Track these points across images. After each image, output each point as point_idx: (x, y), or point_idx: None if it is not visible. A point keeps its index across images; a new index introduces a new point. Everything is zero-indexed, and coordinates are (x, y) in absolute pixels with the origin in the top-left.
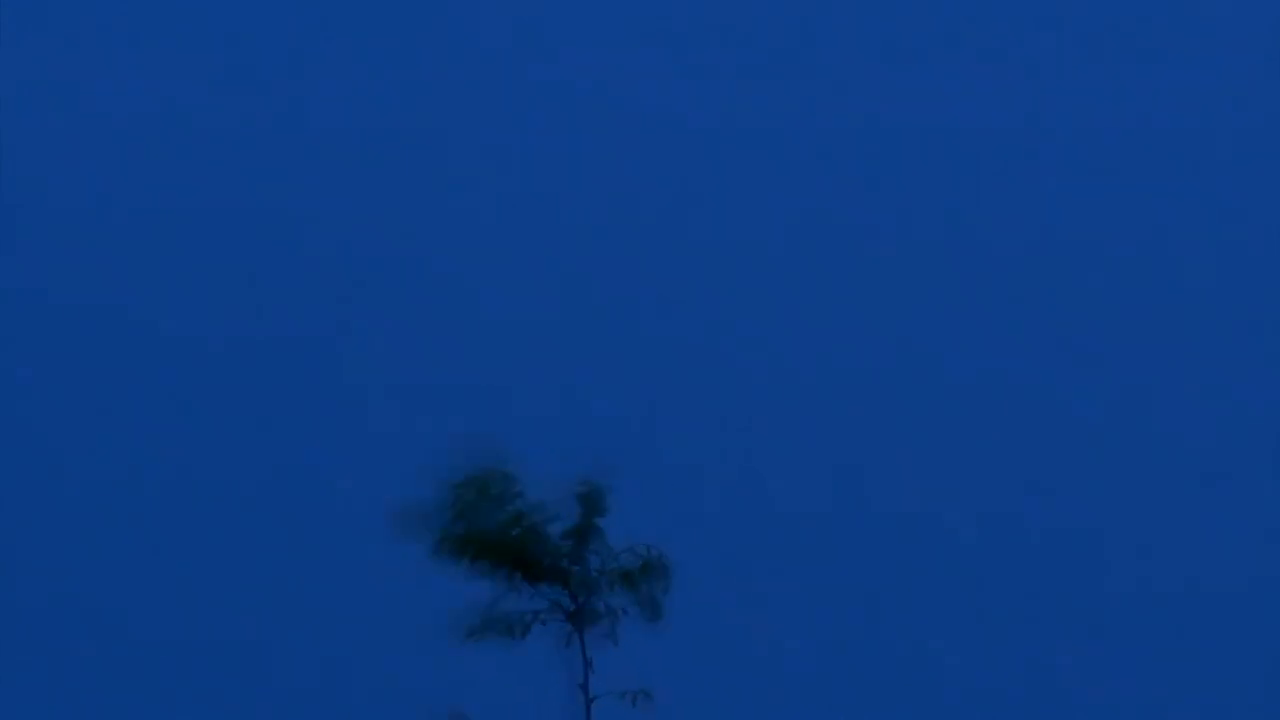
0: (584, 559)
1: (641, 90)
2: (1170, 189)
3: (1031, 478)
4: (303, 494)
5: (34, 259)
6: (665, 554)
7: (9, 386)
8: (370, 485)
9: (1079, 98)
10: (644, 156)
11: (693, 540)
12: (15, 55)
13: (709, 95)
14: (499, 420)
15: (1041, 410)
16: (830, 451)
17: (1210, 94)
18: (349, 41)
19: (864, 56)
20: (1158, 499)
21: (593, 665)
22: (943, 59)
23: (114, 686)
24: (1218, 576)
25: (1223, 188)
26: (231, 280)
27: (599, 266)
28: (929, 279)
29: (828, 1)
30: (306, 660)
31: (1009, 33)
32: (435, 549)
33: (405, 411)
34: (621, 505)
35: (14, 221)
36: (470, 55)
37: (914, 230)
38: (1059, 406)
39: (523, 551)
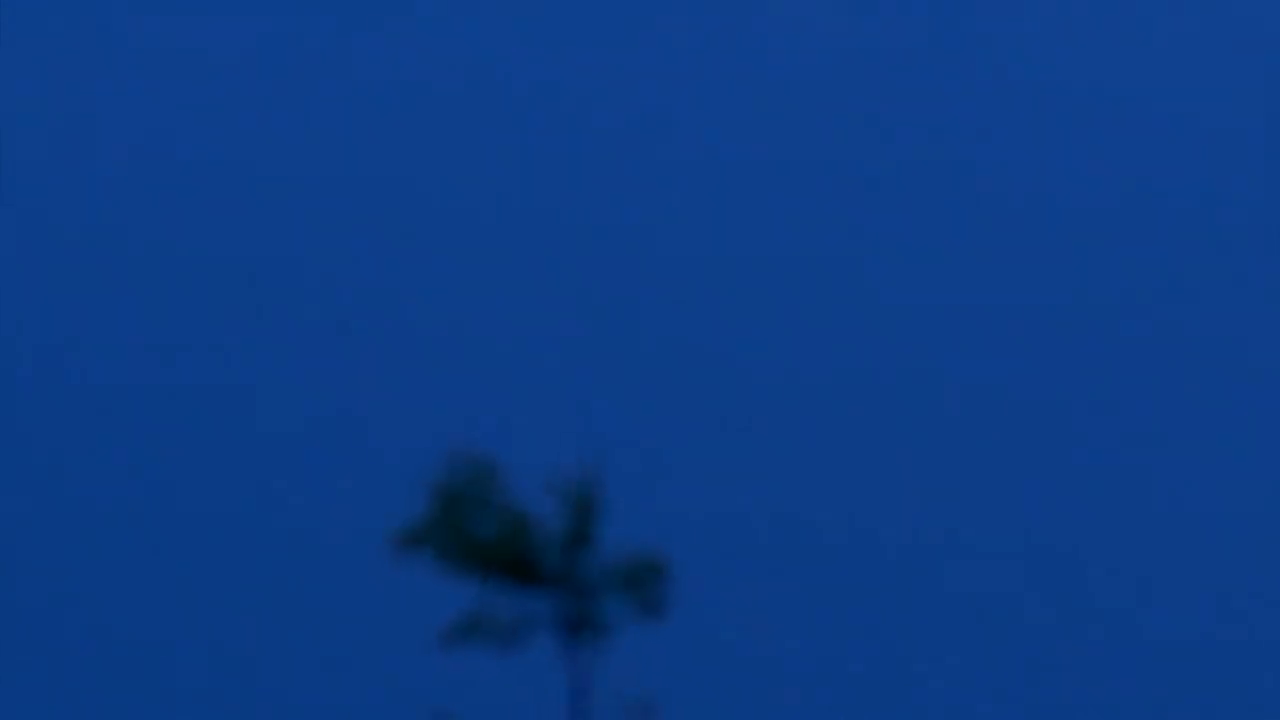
0: (579, 563)
1: (642, 93)
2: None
3: (1031, 478)
4: (302, 499)
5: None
6: (662, 557)
7: (10, 388)
8: (368, 490)
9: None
10: (647, 158)
11: (689, 543)
12: None
13: (710, 99)
14: (494, 426)
15: (1043, 416)
16: (832, 455)
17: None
18: (343, 52)
19: (865, 68)
20: (1161, 507)
21: (590, 673)
22: (943, 57)
23: (114, 687)
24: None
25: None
26: (233, 280)
27: (601, 272)
28: (931, 284)
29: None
30: (309, 664)
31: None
32: (421, 551)
33: (403, 417)
34: (618, 509)
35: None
36: (469, 56)
37: (914, 233)
38: (1061, 415)
39: (510, 554)
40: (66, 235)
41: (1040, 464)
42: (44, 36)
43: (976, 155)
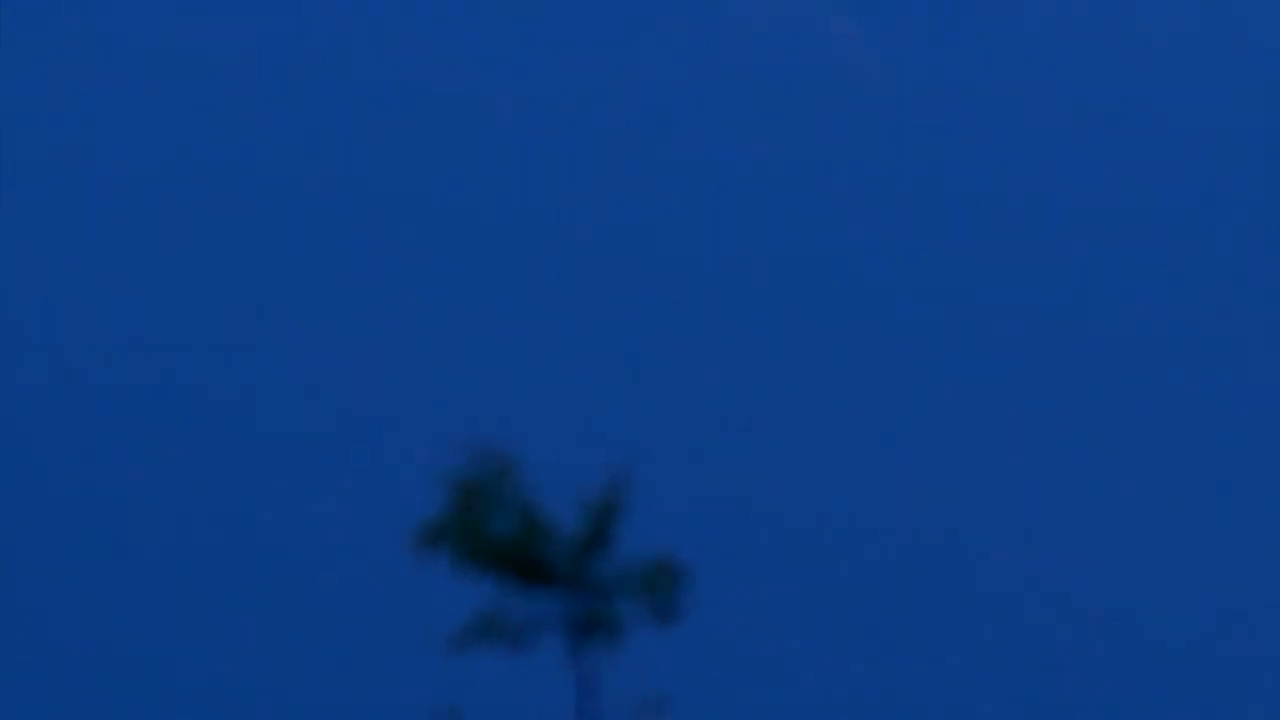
0: (594, 566)
1: (653, 93)
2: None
3: (1039, 480)
4: (315, 496)
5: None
6: (677, 560)
7: (11, 389)
8: (381, 487)
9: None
10: (650, 160)
11: (704, 546)
12: None
13: (715, 99)
14: (510, 425)
15: (1048, 417)
16: (849, 459)
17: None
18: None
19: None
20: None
21: (600, 675)
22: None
23: (116, 686)
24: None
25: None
26: (237, 280)
27: (622, 272)
28: (944, 285)
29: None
30: (316, 662)
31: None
32: (437, 547)
33: (415, 417)
34: (633, 511)
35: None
36: (473, 57)
37: (921, 234)
38: (1064, 416)
39: (524, 553)
40: (66, 235)
41: (1048, 465)
42: (44, 36)
43: (976, 155)
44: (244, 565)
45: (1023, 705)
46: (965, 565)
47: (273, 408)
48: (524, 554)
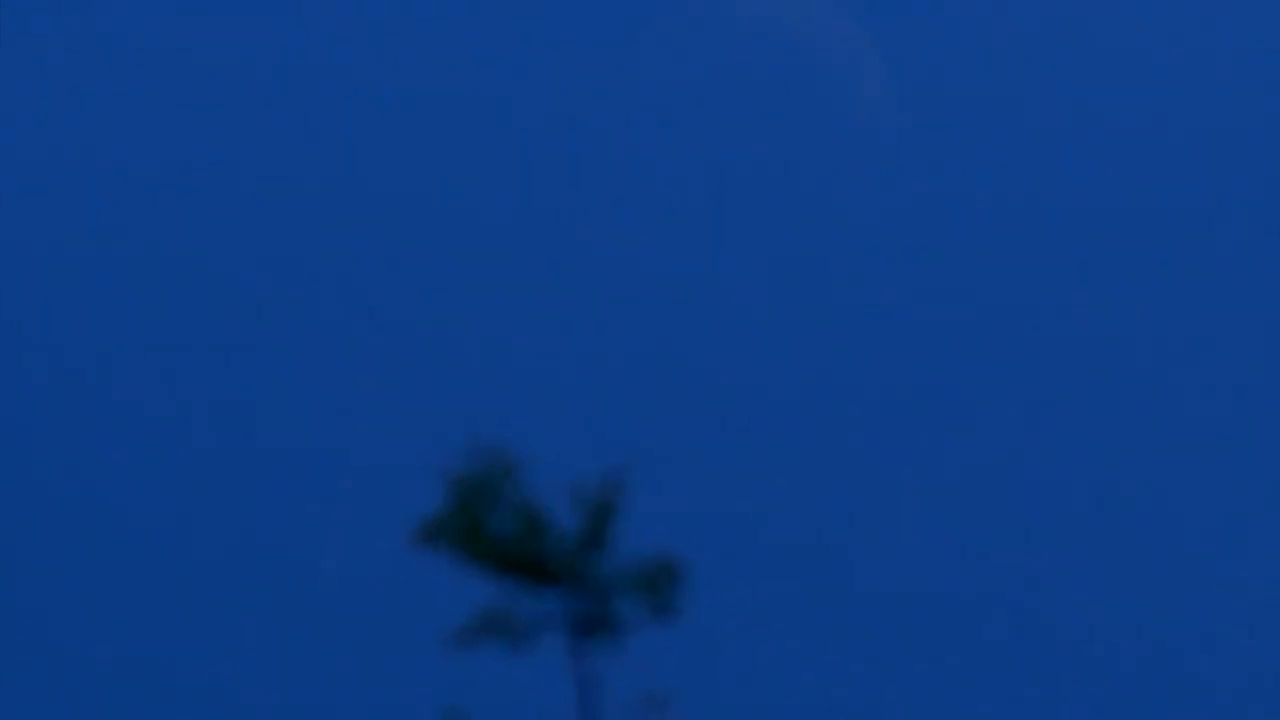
0: (593, 564)
1: (652, 95)
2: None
3: (1044, 482)
4: (312, 499)
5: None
6: (677, 559)
7: (12, 390)
8: (382, 490)
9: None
10: (652, 160)
11: (703, 545)
12: None
13: (715, 100)
14: (511, 424)
15: (1054, 420)
16: (848, 460)
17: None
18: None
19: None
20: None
21: (600, 674)
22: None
23: (114, 687)
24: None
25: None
26: (237, 279)
27: (621, 273)
28: (934, 288)
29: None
30: (318, 661)
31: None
32: (437, 544)
33: (416, 417)
34: (632, 510)
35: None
36: (467, 60)
37: (928, 236)
38: (1069, 418)
39: (524, 553)
40: (66, 235)
41: (1050, 471)
42: (44, 36)
43: (976, 156)
44: (245, 565)
45: (1022, 706)
46: (965, 567)
47: (274, 407)
48: (524, 553)
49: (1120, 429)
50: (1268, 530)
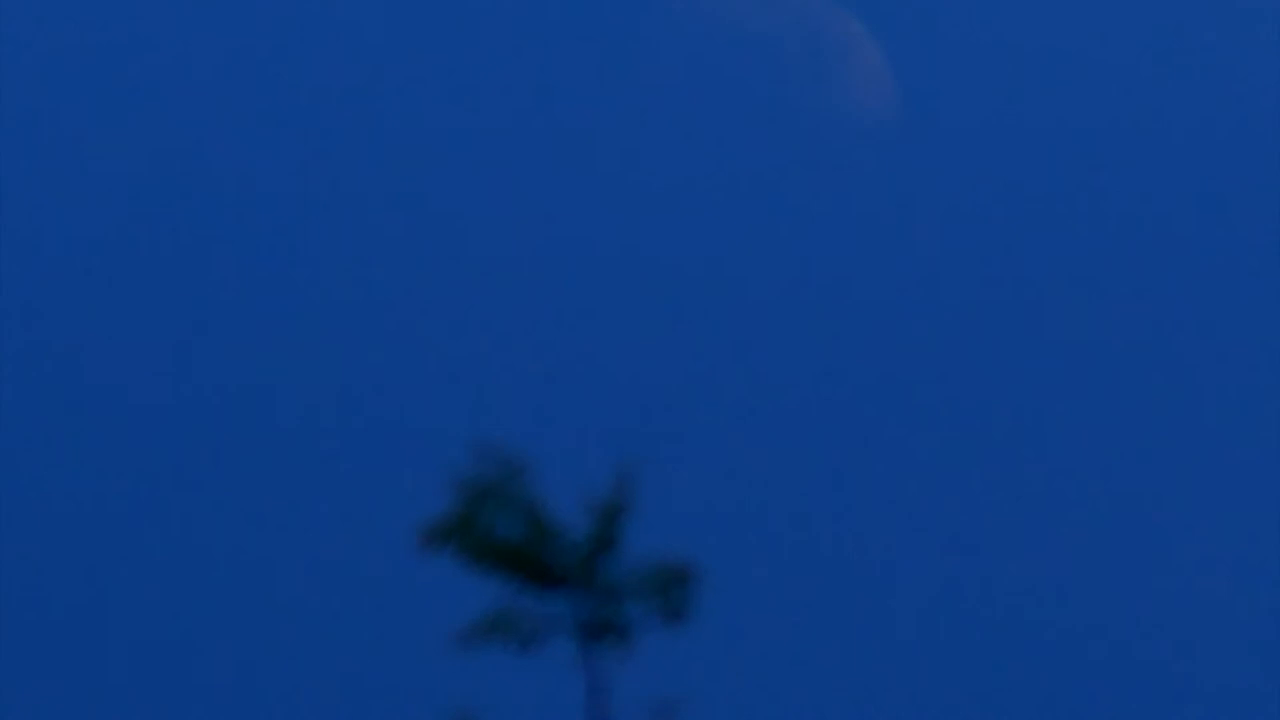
0: (603, 568)
1: (652, 94)
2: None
3: (1048, 481)
4: (318, 498)
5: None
6: (688, 562)
7: (12, 390)
8: (387, 490)
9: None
10: (654, 160)
11: (715, 547)
12: None
13: (714, 101)
14: (517, 426)
15: (1061, 417)
16: (860, 460)
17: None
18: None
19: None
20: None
21: (609, 678)
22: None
23: (114, 687)
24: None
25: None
26: (238, 279)
27: (631, 272)
28: (935, 289)
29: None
30: (322, 661)
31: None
32: (444, 546)
33: (422, 416)
34: (643, 512)
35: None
36: (465, 60)
37: (933, 237)
38: (1072, 417)
39: (532, 556)
40: (66, 235)
41: (1054, 466)
42: (43, 36)
43: (976, 155)
44: (246, 564)
45: (1030, 708)
46: (980, 569)
47: (276, 407)
48: (532, 556)
49: (1128, 428)
50: (1268, 530)
